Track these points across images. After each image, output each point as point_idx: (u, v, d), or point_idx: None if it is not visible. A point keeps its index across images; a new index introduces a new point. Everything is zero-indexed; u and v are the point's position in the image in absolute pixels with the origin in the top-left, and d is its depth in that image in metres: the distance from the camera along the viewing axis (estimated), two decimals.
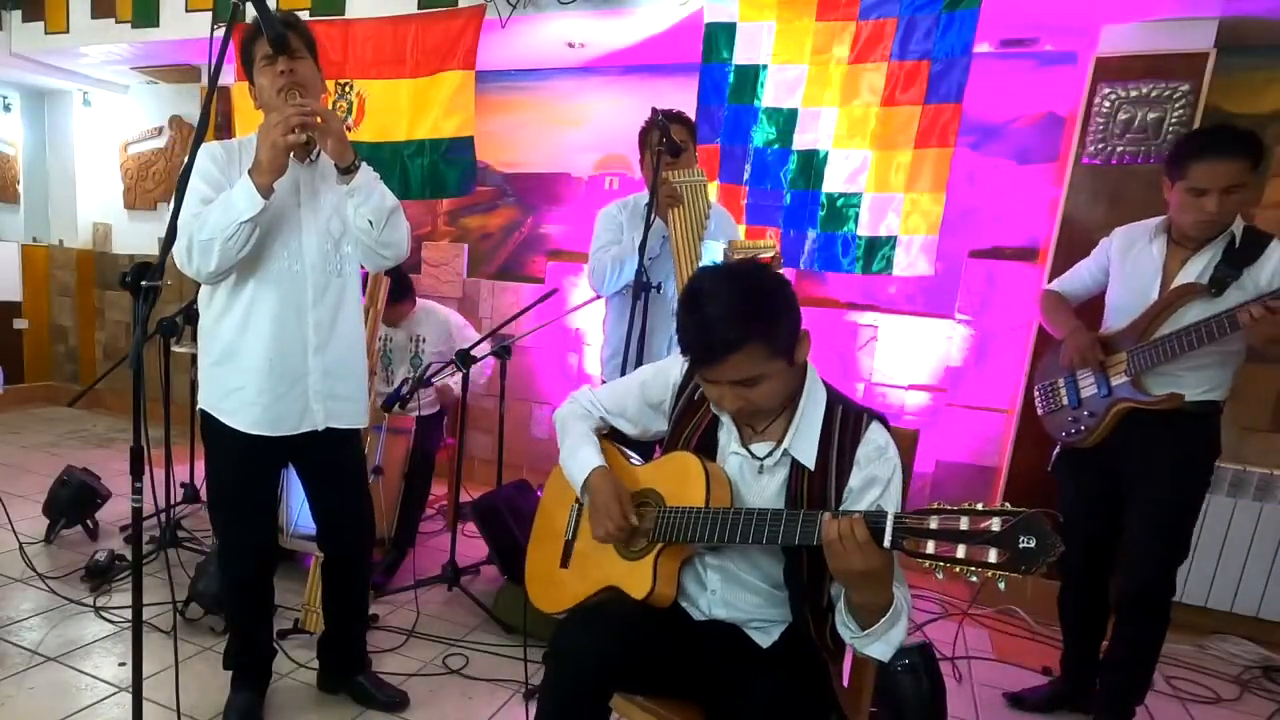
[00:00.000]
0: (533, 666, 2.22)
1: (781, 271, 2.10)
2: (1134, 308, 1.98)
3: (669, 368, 1.47)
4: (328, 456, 1.87)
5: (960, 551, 0.99)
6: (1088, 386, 2.06)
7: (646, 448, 1.59)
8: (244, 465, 1.81)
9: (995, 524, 0.97)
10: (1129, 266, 2.03)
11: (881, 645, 1.15)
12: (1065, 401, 2.11)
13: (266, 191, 1.55)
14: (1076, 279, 2.21)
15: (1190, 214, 1.85)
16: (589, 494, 1.41)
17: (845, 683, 1.40)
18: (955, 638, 2.61)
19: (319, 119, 1.58)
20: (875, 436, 1.26)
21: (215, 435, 1.79)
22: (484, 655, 2.35)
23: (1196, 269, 1.90)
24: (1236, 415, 2.77)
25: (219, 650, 2.26)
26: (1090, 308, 2.17)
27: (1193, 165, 1.81)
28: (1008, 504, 0.99)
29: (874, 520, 1.07)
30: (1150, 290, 1.95)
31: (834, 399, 1.31)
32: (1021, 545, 0.95)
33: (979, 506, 1.00)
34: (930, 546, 1.01)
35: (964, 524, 1.00)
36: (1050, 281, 2.34)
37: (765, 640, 1.36)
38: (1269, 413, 2.76)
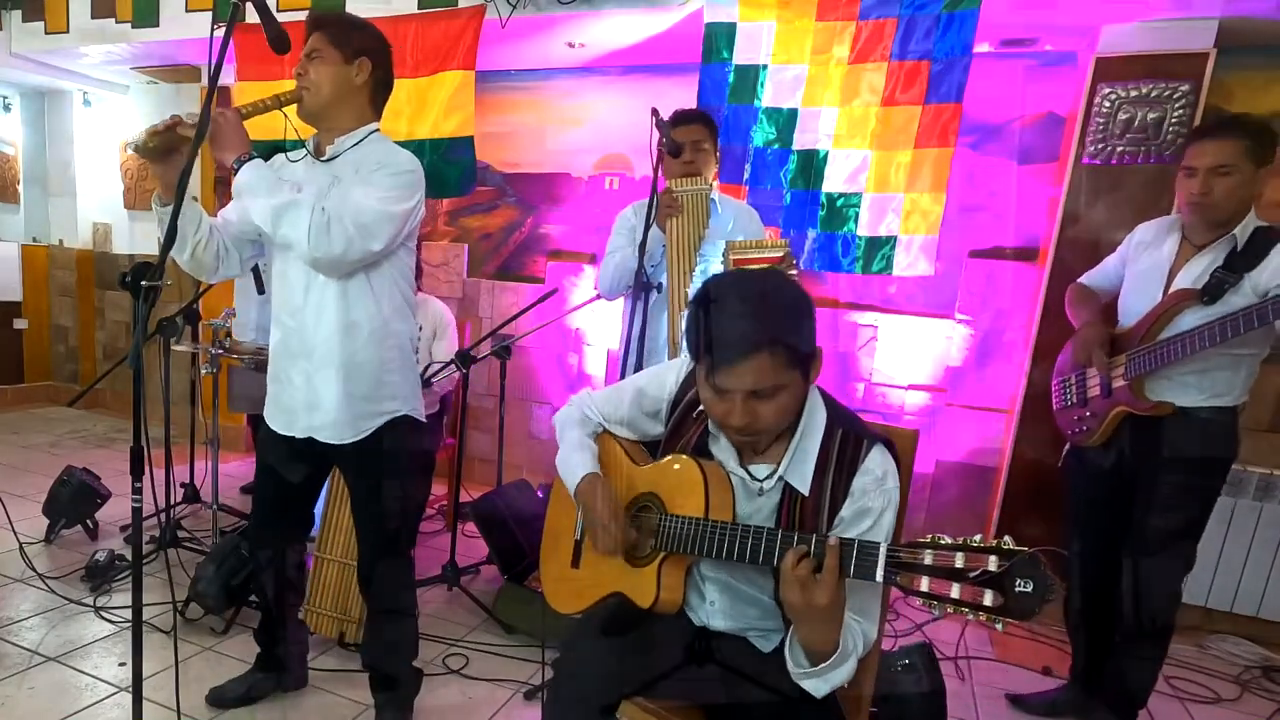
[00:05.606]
0: (535, 666, 2.22)
1: (795, 272, 2.10)
2: (1139, 308, 1.93)
3: (665, 375, 1.42)
4: (353, 467, 1.83)
5: (955, 591, 0.96)
6: (1093, 386, 2.01)
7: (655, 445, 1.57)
8: (264, 457, 1.86)
9: (992, 564, 0.94)
10: (1141, 264, 1.98)
11: (817, 683, 1.13)
12: (1074, 399, 2.07)
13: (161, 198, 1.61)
14: (1101, 274, 2.15)
15: (1182, 195, 1.85)
16: (580, 504, 1.40)
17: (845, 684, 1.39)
18: (956, 638, 2.61)
19: (184, 130, 1.51)
20: (873, 466, 1.21)
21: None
22: (484, 655, 2.35)
23: (1195, 272, 1.84)
24: None
25: (219, 650, 2.27)
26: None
27: (1188, 148, 1.85)
28: (1008, 538, 0.95)
29: (867, 552, 1.04)
30: (1155, 290, 1.91)
31: (835, 420, 1.26)
32: (1018, 589, 0.92)
33: (975, 540, 0.97)
34: (924, 584, 0.98)
35: (959, 561, 0.96)
36: (1050, 279, 2.32)
37: (766, 646, 1.36)
38: (1269, 413, 2.76)
